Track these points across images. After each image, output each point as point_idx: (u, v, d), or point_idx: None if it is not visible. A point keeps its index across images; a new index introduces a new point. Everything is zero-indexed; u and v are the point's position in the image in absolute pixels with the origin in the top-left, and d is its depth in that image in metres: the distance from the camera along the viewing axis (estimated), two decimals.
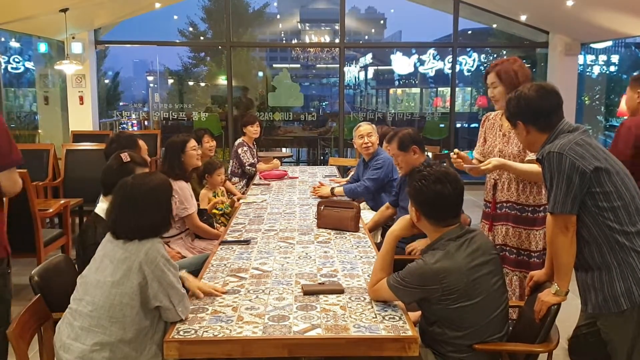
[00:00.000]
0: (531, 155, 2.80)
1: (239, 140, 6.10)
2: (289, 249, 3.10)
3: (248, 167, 5.92)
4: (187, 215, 3.80)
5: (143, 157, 3.17)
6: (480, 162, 3.01)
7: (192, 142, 4.06)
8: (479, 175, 3.04)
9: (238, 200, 4.68)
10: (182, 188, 3.81)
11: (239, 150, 5.95)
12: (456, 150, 2.99)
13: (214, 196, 4.51)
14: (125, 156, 2.93)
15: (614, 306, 2.13)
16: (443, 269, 2.10)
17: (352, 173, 5.33)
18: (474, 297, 2.11)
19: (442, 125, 10.23)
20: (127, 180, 2.26)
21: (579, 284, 2.28)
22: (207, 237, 3.94)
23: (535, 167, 2.75)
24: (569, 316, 2.75)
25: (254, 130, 6.12)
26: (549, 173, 2.17)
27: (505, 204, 3.01)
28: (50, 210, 4.96)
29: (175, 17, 11.61)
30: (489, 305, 2.16)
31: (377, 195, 4.55)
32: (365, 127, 4.72)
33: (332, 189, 4.63)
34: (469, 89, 12.23)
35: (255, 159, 6.08)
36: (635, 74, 4.96)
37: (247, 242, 3.23)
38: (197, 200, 4.18)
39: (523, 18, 8.65)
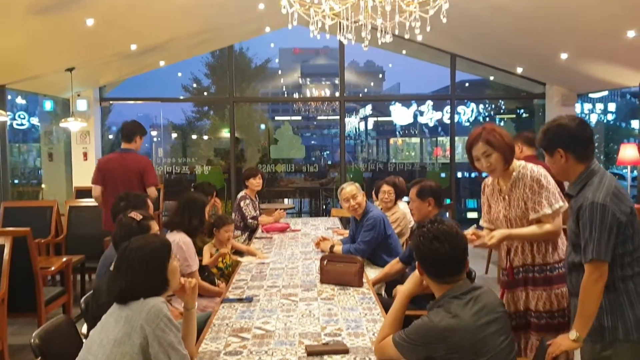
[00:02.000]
0: (534, 214, 2.78)
1: (241, 193, 6.14)
2: (292, 306, 3.08)
3: (250, 220, 5.93)
4: (190, 272, 3.79)
5: (152, 214, 3.20)
6: (491, 229, 2.98)
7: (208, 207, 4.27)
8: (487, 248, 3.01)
9: (245, 253, 4.63)
10: (186, 244, 3.82)
11: (241, 203, 5.98)
12: (472, 229, 2.89)
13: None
14: (136, 215, 2.98)
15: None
16: (448, 328, 2.07)
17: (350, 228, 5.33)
18: (479, 356, 2.08)
19: (443, 175, 10.29)
20: (128, 244, 2.29)
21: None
22: (208, 295, 3.92)
23: (544, 227, 2.75)
24: None
25: (256, 183, 6.17)
26: (589, 222, 2.28)
27: (521, 269, 2.89)
28: (52, 268, 4.96)
29: (180, 74, 11.89)
30: None
31: (373, 254, 4.52)
32: (348, 190, 4.62)
33: (332, 246, 4.56)
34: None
35: (258, 212, 6.10)
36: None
37: (249, 300, 3.21)
38: (199, 255, 4.18)
39: (519, 70, 8.82)
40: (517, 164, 2.89)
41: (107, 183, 5.27)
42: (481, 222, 3.13)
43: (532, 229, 2.78)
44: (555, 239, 2.82)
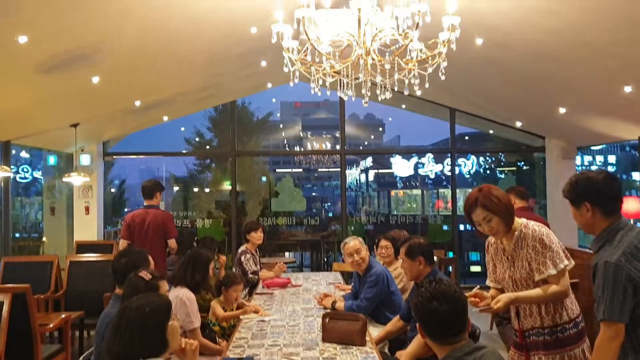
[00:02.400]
0: (540, 275, 2.73)
1: (242, 248, 6.11)
2: None
3: (251, 275, 5.88)
4: (192, 328, 3.75)
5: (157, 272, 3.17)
6: (499, 290, 2.94)
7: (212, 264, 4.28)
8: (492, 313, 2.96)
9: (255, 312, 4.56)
10: (190, 300, 3.83)
11: (242, 258, 5.94)
12: (475, 291, 2.81)
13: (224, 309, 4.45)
14: (146, 274, 2.98)
15: None
16: None
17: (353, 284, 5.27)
18: None
19: (445, 228, 10.25)
20: (128, 303, 2.27)
21: None
22: (209, 353, 3.86)
23: (550, 288, 2.69)
24: None
25: (257, 237, 6.14)
26: (602, 281, 2.25)
27: (532, 331, 2.82)
28: (51, 325, 4.90)
29: (183, 128, 12.04)
30: None
31: (376, 311, 4.47)
32: (352, 244, 4.61)
33: (334, 302, 4.51)
34: (470, 190, 12.35)
35: (258, 267, 6.06)
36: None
37: (250, 359, 3.16)
38: (203, 312, 4.16)
39: (518, 124, 8.92)
40: (518, 222, 2.85)
41: (133, 237, 5.87)
42: (487, 282, 3.06)
43: (538, 292, 2.71)
44: (564, 299, 2.75)
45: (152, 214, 5.99)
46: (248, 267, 5.89)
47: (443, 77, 4.04)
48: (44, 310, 5.88)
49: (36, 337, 4.43)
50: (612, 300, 2.22)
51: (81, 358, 3.13)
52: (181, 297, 3.83)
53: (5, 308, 4.09)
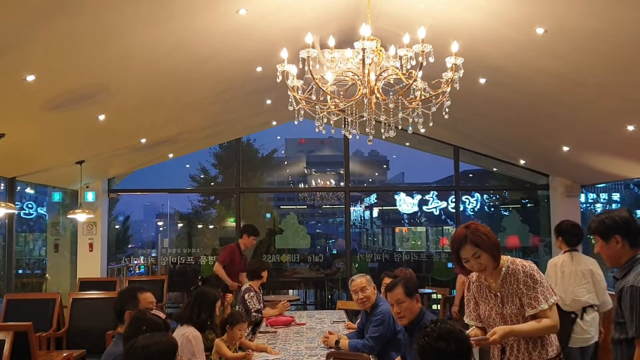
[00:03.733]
0: (532, 310, 2.75)
1: (245, 286, 6.08)
2: None
3: (254, 314, 5.82)
4: None
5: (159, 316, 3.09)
6: (480, 328, 2.93)
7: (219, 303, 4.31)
8: (487, 346, 2.90)
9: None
10: (196, 338, 3.85)
11: (246, 296, 5.90)
12: (472, 331, 2.84)
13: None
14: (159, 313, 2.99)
15: None
16: None
17: (359, 321, 5.22)
18: None
19: (450, 266, 10.17)
20: (135, 342, 2.26)
21: None
22: None
23: (543, 322, 2.71)
24: None
25: (266, 276, 6.16)
26: (630, 302, 2.47)
27: None
28: None
29: (188, 165, 12.11)
30: None
31: (382, 351, 4.41)
32: (358, 282, 4.60)
33: (337, 341, 4.46)
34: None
35: (262, 305, 6.01)
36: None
37: None
38: (205, 351, 4.12)
39: (522, 162, 8.95)
40: (504, 259, 2.87)
41: None
42: (466, 320, 3.03)
43: (533, 325, 2.74)
44: (554, 333, 2.80)
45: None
46: (252, 306, 5.84)
47: (447, 117, 4.08)
48: (45, 348, 5.83)
49: None
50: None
51: None
52: (187, 335, 3.82)
53: (6, 347, 4.07)
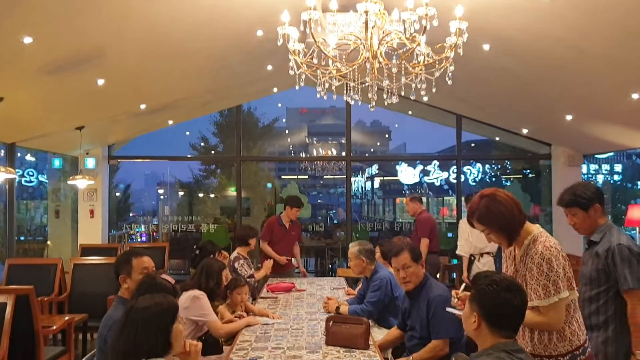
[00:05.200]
0: (530, 303, 2.46)
1: (234, 254, 6.03)
2: None
3: (248, 279, 5.84)
4: (209, 320, 3.86)
5: (168, 281, 3.10)
6: None
7: (226, 270, 4.33)
8: None
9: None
10: (203, 295, 3.94)
11: (236, 265, 5.85)
12: (462, 292, 2.62)
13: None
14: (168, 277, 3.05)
15: None
16: None
17: (360, 286, 5.25)
18: None
19: (449, 235, 10.21)
20: (135, 303, 2.26)
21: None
22: (232, 334, 3.96)
23: (536, 316, 2.49)
24: None
25: (254, 243, 6.19)
26: (620, 259, 2.89)
27: None
28: (54, 327, 4.89)
29: (188, 133, 12.06)
30: None
31: (381, 316, 4.46)
32: (351, 251, 4.82)
33: (338, 307, 4.51)
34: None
35: (253, 270, 6.04)
36: None
37: None
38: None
39: (525, 131, 8.89)
40: (530, 229, 2.60)
41: None
42: None
43: (531, 316, 2.48)
44: (550, 331, 2.54)
45: None
46: (243, 273, 5.84)
47: (450, 82, 4.02)
48: (47, 312, 5.88)
49: (39, 338, 4.42)
50: (632, 272, 2.85)
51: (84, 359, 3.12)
52: (192, 294, 3.86)
53: (8, 309, 4.09)
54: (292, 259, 7.16)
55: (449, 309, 2.68)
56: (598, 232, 3.06)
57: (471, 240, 6.35)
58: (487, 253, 6.36)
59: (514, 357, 2.08)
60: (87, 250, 7.66)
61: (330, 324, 3.57)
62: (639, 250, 2.92)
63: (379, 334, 4.12)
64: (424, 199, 12.86)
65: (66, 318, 5.18)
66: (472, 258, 6.38)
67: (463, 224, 6.42)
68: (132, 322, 2.23)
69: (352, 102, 4.45)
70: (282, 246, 6.93)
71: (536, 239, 2.55)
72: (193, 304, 3.82)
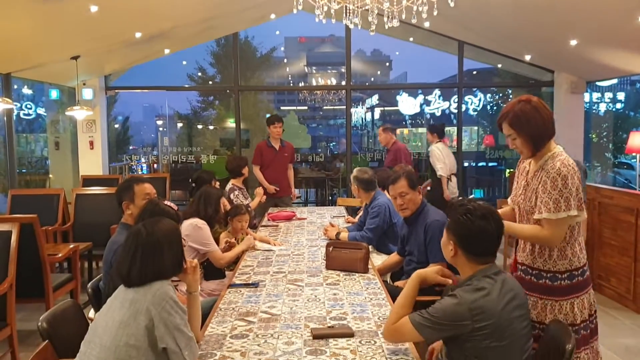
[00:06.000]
0: (538, 215, 2.49)
1: (228, 186, 6.05)
2: (298, 291, 3.07)
3: None
4: (210, 250, 3.90)
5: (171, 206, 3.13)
6: (512, 209, 2.77)
7: (224, 198, 4.34)
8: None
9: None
10: (205, 225, 3.96)
11: (231, 196, 5.89)
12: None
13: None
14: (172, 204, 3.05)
15: None
16: (478, 306, 2.03)
17: (360, 214, 5.31)
18: (503, 339, 2.04)
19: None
20: (140, 228, 2.26)
21: None
22: (232, 261, 4.05)
23: (539, 231, 2.49)
24: None
25: (247, 171, 6.21)
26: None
27: (521, 267, 2.64)
28: (60, 255, 4.97)
29: (184, 62, 11.86)
30: (514, 349, 2.08)
31: (380, 242, 4.54)
32: (352, 174, 4.92)
33: (338, 233, 4.57)
34: (476, 128, 12.29)
35: (248, 200, 6.08)
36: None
37: (255, 285, 3.21)
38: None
39: (527, 58, 8.74)
40: (552, 146, 2.57)
41: None
42: (509, 200, 2.86)
43: (528, 231, 2.54)
44: (550, 247, 2.53)
45: None
46: (239, 203, 5.89)
47: (452, 4, 3.92)
48: (52, 242, 5.97)
49: (45, 266, 4.51)
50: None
51: (89, 285, 3.18)
52: (194, 223, 3.89)
53: (13, 237, 4.14)
54: (294, 189, 7.26)
55: None
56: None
57: (446, 162, 7.17)
58: (454, 174, 7.32)
59: (497, 279, 2.13)
60: (89, 181, 7.70)
61: (331, 249, 3.62)
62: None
63: (378, 260, 4.20)
64: (424, 130, 12.85)
65: (71, 246, 5.26)
66: (447, 177, 7.25)
67: (437, 150, 7.21)
68: (147, 246, 2.22)
69: (352, 27, 4.34)
70: (273, 169, 6.98)
71: (555, 156, 2.52)
72: (195, 232, 3.86)
